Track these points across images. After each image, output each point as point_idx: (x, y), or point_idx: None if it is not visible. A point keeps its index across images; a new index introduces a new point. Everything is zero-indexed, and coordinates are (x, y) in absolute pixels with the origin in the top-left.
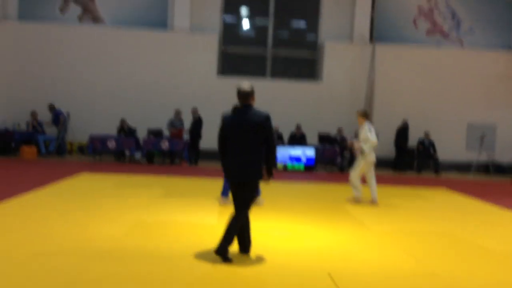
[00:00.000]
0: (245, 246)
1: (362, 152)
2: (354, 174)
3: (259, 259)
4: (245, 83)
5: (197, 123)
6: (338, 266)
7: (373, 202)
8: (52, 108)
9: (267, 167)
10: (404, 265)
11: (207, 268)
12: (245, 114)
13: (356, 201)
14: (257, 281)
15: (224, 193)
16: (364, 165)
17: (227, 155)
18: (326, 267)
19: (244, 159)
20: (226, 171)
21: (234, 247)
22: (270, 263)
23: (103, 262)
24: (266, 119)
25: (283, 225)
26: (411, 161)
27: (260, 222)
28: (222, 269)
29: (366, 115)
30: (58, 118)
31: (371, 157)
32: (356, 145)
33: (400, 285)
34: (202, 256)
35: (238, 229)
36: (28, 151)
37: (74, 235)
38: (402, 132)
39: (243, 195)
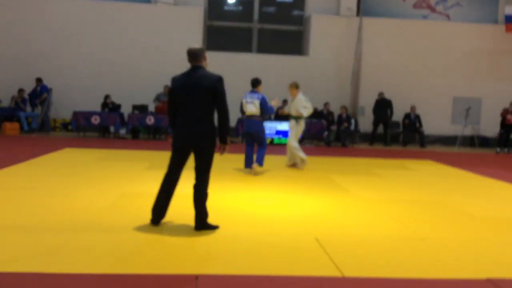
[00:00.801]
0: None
1: (299, 118)
2: (293, 141)
3: (248, 227)
4: (195, 44)
5: None
6: (325, 231)
7: (296, 166)
8: (39, 81)
9: (220, 134)
10: (393, 230)
11: (193, 235)
12: (194, 76)
13: (304, 162)
14: (246, 247)
15: (247, 165)
16: (298, 131)
17: (176, 121)
18: (313, 233)
19: (192, 124)
20: (174, 136)
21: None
22: (258, 230)
23: (87, 234)
24: (218, 81)
25: (270, 195)
26: (396, 135)
27: (248, 192)
28: (209, 236)
29: (297, 86)
30: (40, 93)
31: (304, 124)
32: (286, 110)
33: (388, 249)
34: (187, 225)
35: (206, 198)
36: (10, 127)
37: (58, 207)
38: (381, 105)
39: (197, 164)
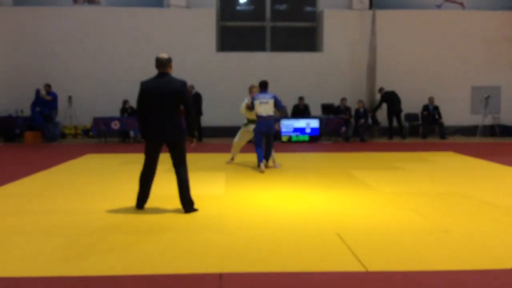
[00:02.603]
0: (184, 203)
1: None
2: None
3: (271, 223)
4: (163, 54)
5: (195, 100)
6: (346, 226)
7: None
8: (49, 87)
9: (188, 130)
10: (414, 223)
11: (215, 234)
12: (162, 81)
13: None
14: (268, 244)
15: (261, 161)
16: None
17: (148, 120)
18: (335, 228)
19: (163, 122)
20: (148, 133)
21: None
22: (279, 227)
23: (111, 236)
24: (183, 85)
25: (290, 192)
26: (415, 128)
27: (268, 190)
28: (231, 235)
29: (254, 87)
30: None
31: (251, 127)
32: None
33: (411, 242)
34: (208, 225)
35: (188, 182)
36: (32, 136)
37: (81, 210)
38: (390, 99)
39: (174, 156)
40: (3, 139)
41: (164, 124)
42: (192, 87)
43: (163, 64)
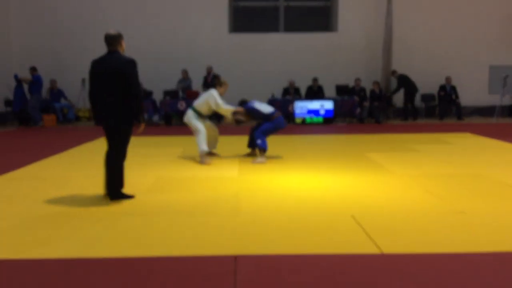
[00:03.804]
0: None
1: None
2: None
3: (285, 205)
4: (112, 30)
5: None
6: (361, 208)
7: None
8: (34, 71)
9: (134, 115)
10: (430, 205)
11: (230, 216)
12: (109, 60)
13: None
14: (283, 227)
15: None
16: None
17: (97, 101)
18: (350, 210)
19: (108, 104)
20: (94, 116)
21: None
22: (294, 210)
23: (127, 217)
24: (128, 63)
25: (305, 175)
26: (432, 108)
27: (284, 173)
28: (246, 217)
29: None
30: (36, 83)
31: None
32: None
33: (427, 224)
34: (223, 207)
35: (119, 169)
36: (48, 119)
37: (97, 193)
38: (404, 81)
39: (113, 141)
40: (17, 122)
41: (108, 107)
42: (211, 68)
43: (111, 41)
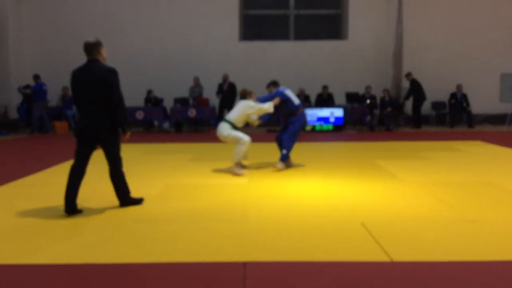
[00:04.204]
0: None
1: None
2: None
3: (295, 212)
4: (91, 38)
5: (231, 90)
6: (371, 216)
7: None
8: (37, 78)
9: (118, 124)
10: (441, 213)
11: (239, 223)
12: (88, 69)
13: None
14: (292, 234)
15: (283, 159)
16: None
17: (79, 112)
18: (360, 217)
19: (91, 117)
20: (76, 126)
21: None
22: (303, 217)
23: (136, 224)
24: (108, 72)
25: (316, 182)
26: (442, 116)
27: (294, 180)
28: (255, 224)
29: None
30: (39, 91)
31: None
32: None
33: (437, 232)
34: (236, 213)
35: (122, 177)
36: (60, 126)
37: (107, 199)
38: (416, 86)
39: (106, 154)
40: (30, 129)
41: (90, 119)
42: (227, 76)
43: (90, 50)
